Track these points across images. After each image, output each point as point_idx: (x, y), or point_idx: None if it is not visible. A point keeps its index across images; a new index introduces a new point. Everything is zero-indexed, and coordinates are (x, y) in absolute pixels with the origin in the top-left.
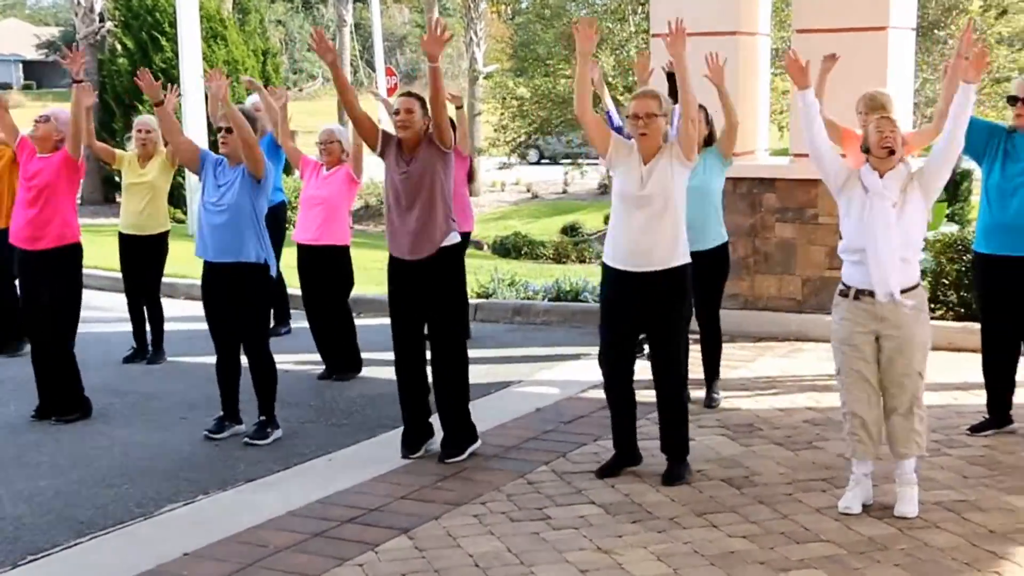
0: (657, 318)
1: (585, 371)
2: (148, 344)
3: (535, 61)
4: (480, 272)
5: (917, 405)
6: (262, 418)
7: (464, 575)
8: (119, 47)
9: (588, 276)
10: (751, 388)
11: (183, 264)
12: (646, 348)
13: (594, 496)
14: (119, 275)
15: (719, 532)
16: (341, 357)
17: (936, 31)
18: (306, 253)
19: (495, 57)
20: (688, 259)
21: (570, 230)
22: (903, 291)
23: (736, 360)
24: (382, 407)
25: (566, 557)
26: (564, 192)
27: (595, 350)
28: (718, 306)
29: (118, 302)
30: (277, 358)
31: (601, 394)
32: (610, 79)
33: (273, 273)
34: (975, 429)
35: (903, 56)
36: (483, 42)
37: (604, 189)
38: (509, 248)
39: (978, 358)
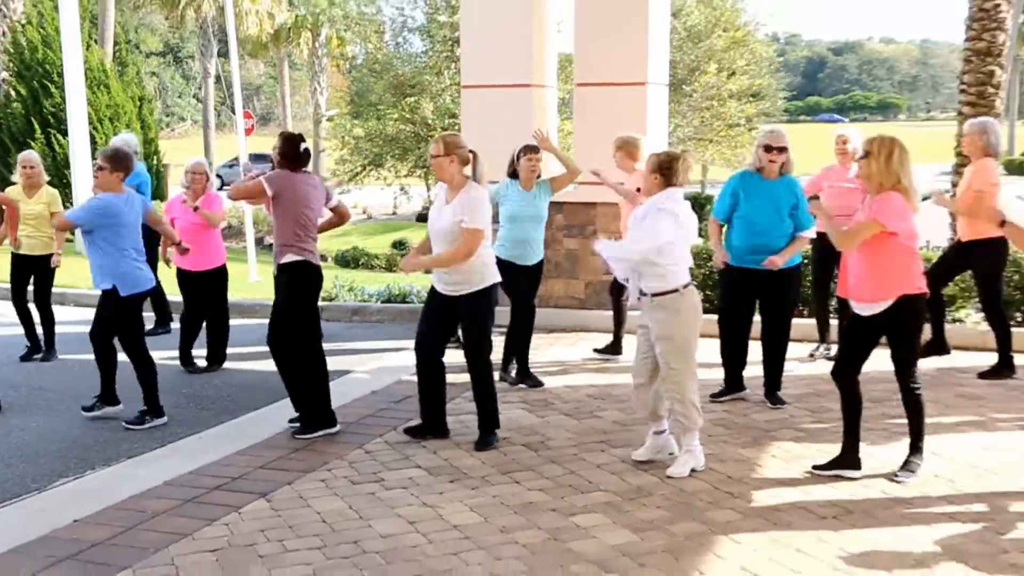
0: (468, 326)
1: (411, 359)
2: (41, 344)
3: (368, 106)
4: (324, 279)
5: (677, 391)
6: (144, 408)
7: (313, 530)
8: (13, 93)
9: (413, 282)
10: (546, 371)
11: (72, 276)
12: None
13: (419, 461)
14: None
15: (520, 487)
16: (215, 352)
17: (684, 87)
18: (188, 277)
19: (336, 103)
20: (493, 279)
21: (398, 244)
22: (655, 295)
23: (533, 348)
24: (243, 393)
25: (397, 512)
26: (394, 213)
27: None
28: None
29: (9, 308)
30: (156, 354)
31: None
32: (429, 121)
33: (123, 294)
34: (715, 396)
35: (659, 106)
36: (326, 91)
37: (426, 211)
38: (348, 259)
39: (717, 342)
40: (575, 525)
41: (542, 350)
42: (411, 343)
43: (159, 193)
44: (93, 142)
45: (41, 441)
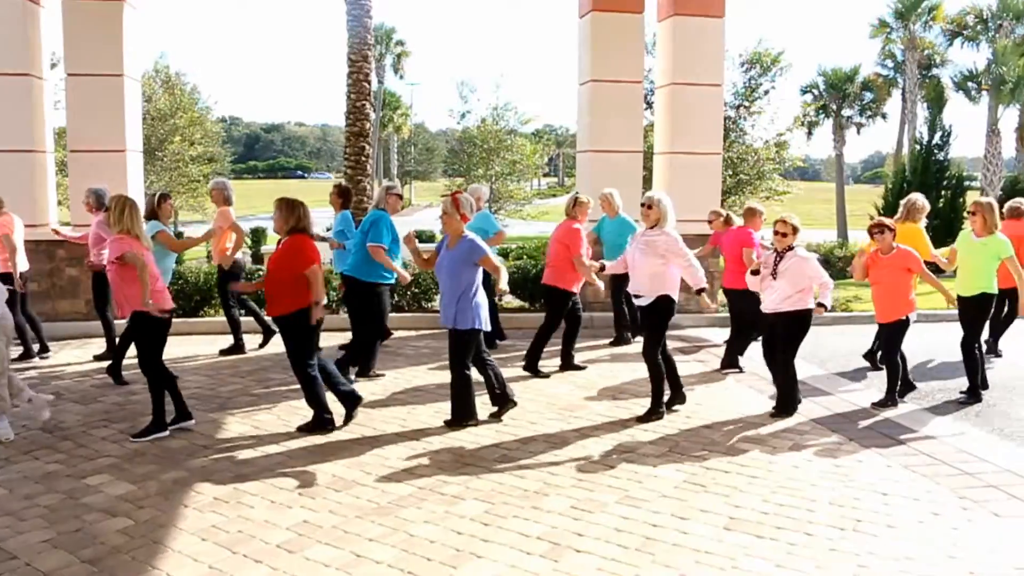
0: None
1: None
2: None
3: None
4: None
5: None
6: None
7: None
8: None
9: None
10: (61, 369)
11: None
12: None
13: None
14: None
15: (40, 462)
16: None
17: (157, 153)
18: None
19: None
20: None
21: None
22: None
23: (53, 353)
24: None
25: None
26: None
27: None
28: None
29: None
30: None
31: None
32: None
33: None
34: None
35: (136, 168)
36: None
37: None
38: None
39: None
40: (87, 485)
41: (56, 355)
42: None
43: None
44: None
45: None
